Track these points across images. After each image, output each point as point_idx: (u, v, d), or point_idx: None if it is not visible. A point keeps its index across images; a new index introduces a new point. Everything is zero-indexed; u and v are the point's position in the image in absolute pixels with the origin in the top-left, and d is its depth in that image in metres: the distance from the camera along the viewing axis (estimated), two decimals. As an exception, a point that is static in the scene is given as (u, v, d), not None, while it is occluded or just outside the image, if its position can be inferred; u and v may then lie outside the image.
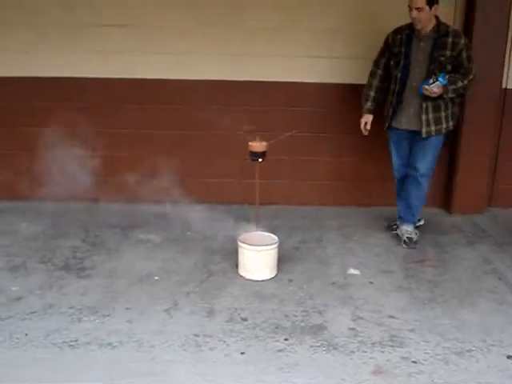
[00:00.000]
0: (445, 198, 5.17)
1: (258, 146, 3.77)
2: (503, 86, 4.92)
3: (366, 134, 4.24)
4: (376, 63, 4.22)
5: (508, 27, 4.74)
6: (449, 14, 4.76)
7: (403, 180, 4.38)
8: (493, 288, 3.74)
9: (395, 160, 4.34)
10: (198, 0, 4.73)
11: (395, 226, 4.55)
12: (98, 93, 4.92)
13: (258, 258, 3.75)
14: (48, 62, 4.86)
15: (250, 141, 3.78)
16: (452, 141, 4.97)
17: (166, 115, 4.96)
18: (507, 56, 4.84)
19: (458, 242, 4.48)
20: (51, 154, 4.90)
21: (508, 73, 4.91)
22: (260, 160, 3.82)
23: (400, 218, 4.48)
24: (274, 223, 4.44)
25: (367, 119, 4.20)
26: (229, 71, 4.87)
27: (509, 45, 4.81)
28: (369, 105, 4.20)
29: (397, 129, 4.18)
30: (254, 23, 4.75)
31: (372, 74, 4.23)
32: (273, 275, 3.80)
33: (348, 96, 4.67)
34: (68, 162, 4.91)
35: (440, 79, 3.85)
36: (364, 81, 4.29)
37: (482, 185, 5.09)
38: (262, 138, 3.84)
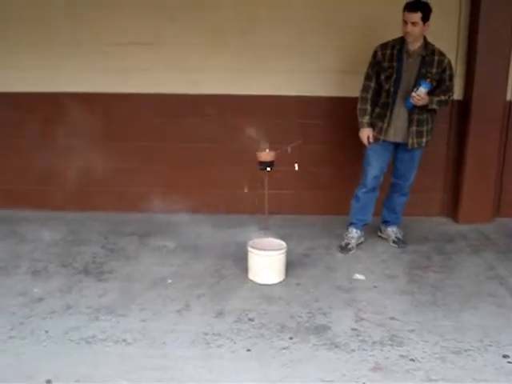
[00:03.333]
0: (452, 207, 5.29)
1: (266, 155, 3.96)
2: (508, 99, 5.04)
3: (369, 146, 4.37)
4: (368, 77, 4.32)
5: (512, 39, 4.87)
6: (453, 27, 4.95)
7: (372, 191, 4.50)
8: (494, 292, 3.85)
9: (371, 172, 4.42)
10: (212, 22, 4.96)
11: (380, 230, 4.81)
12: (119, 107, 5.15)
13: (266, 262, 3.92)
14: (71, 79, 5.09)
15: (259, 151, 3.98)
16: (459, 151, 5.14)
17: (180, 128, 5.15)
18: (511, 69, 4.96)
19: (463, 250, 4.60)
20: (73, 165, 5.15)
21: (513, 85, 5.04)
22: (268, 169, 4.01)
23: (385, 222, 4.74)
24: (283, 231, 4.59)
25: (369, 133, 4.33)
26: (241, 86, 5.07)
27: (513, 57, 4.93)
28: (367, 119, 4.32)
29: (384, 141, 4.33)
30: (264, 40, 4.97)
31: (366, 88, 4.33)
32: (281, 279, 3.96)
33: (353, 109, 4.81)
34: (88, 174, 5.16)
35: (422, 85, 4.04)
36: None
37: (488, 195, 5.19)
38: (272, 149, 4.03)
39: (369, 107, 4.33)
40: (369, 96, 4.32)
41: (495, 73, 4.89)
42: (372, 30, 4.61)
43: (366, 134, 4.35)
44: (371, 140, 4.34)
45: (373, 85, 4.31)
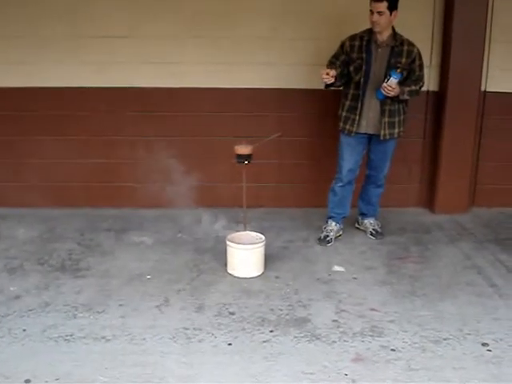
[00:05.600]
0: (428, 198, 5.33)
1: (243, 148, 3.94)
2: (482, 89, 5.07)
3: (327, 80, 4.05)
4: (334, 58, 4.25)
5: (486, 30, 4.89)
6: (428, 18, 4.97)
7: (348, 184, 4.50)
8: (471, 281, 3.88)
9: (346, 165, 4.40)
10: (189, 12, 4.91)
11: (358, 222, 4.84)
12: (95, 101, 5.09)
13: (245, 256, 3.91)
14: (48, 73, 5.00)
15: (236, 144, 3.95)
16: (435, 142, 5.18)
17: (158, 122, 5.11)
18: (486, 59, 4.99)
19: (440, 240, 4.64)
20: (49, 161, 5.09)
21: (487, 76, 5.06)
22: (246, 162, 3.98)
23: (362, 214, 4.76)
24: (262, 224, 4.60)
25: (328, 70, 4.06)
26: (219, 79, 5.04)
27: (487, 47, 4.97)
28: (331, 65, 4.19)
29: (356, 133, 4.30)
30: (241, 33, 4.94)
31: (331, 63, 4.22)
32: (260, 273, 3.95)
33: (330, 101, 4.82)
34: (64, 170, 5.10)
35: (393, 76, 4.01)
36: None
37: (464, 185, 5.23)
38: (250, 143, 4.01)
39: (338, 65, 4.18)
40: (337, 62, 4.20)
41: (470, 63, 4.92)
42: (348, 22, 4.60)
43: (324, 70, 4.08)
44: (331, 74, 4.03)
45: (338, 63, 4.20)
